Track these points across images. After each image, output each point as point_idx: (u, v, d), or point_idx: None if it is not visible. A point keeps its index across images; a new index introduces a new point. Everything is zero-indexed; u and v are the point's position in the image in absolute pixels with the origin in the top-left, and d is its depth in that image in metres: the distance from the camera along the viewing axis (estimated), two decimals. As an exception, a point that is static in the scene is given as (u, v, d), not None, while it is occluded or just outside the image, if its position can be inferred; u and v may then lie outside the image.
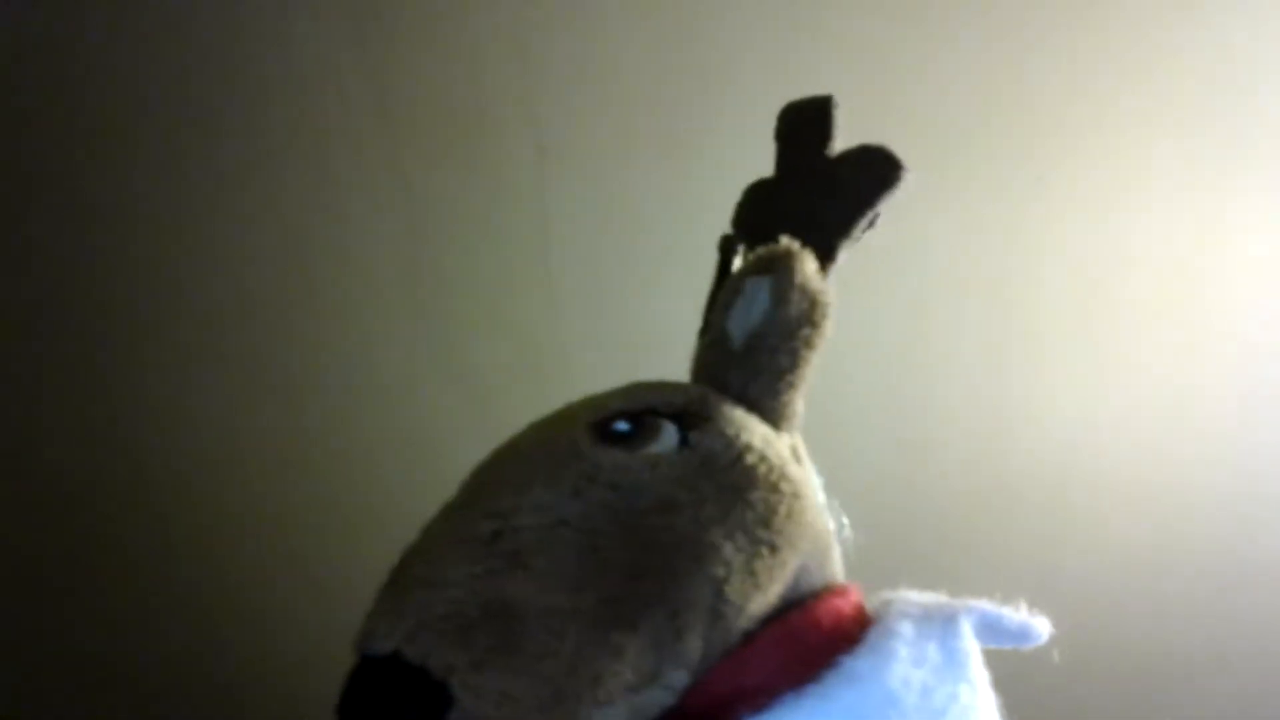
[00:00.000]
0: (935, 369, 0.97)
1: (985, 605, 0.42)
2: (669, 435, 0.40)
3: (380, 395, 0.94)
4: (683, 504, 0.38)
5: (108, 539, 0.94)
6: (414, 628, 0.35)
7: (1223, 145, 0.92)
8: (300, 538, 0.96)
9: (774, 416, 0.43)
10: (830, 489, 0.45)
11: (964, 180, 0.92)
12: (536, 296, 0.93)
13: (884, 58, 0.88)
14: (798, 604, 0.40)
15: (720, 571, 0.37)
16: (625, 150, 0.90)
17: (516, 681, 0.34)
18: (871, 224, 0.45)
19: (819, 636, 0.40)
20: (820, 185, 0.46)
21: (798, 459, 0.44)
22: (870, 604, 0.43)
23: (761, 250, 0.43)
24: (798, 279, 0.41)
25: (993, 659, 0.42)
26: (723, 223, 0.49)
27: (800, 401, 0.44)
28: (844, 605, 0.42)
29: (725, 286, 0.44)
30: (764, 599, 0.39)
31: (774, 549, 0.39)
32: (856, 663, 0.39)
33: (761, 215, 0.48)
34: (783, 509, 0.40)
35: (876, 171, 0.45)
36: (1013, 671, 0.44)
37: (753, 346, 0.42)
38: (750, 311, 0.42)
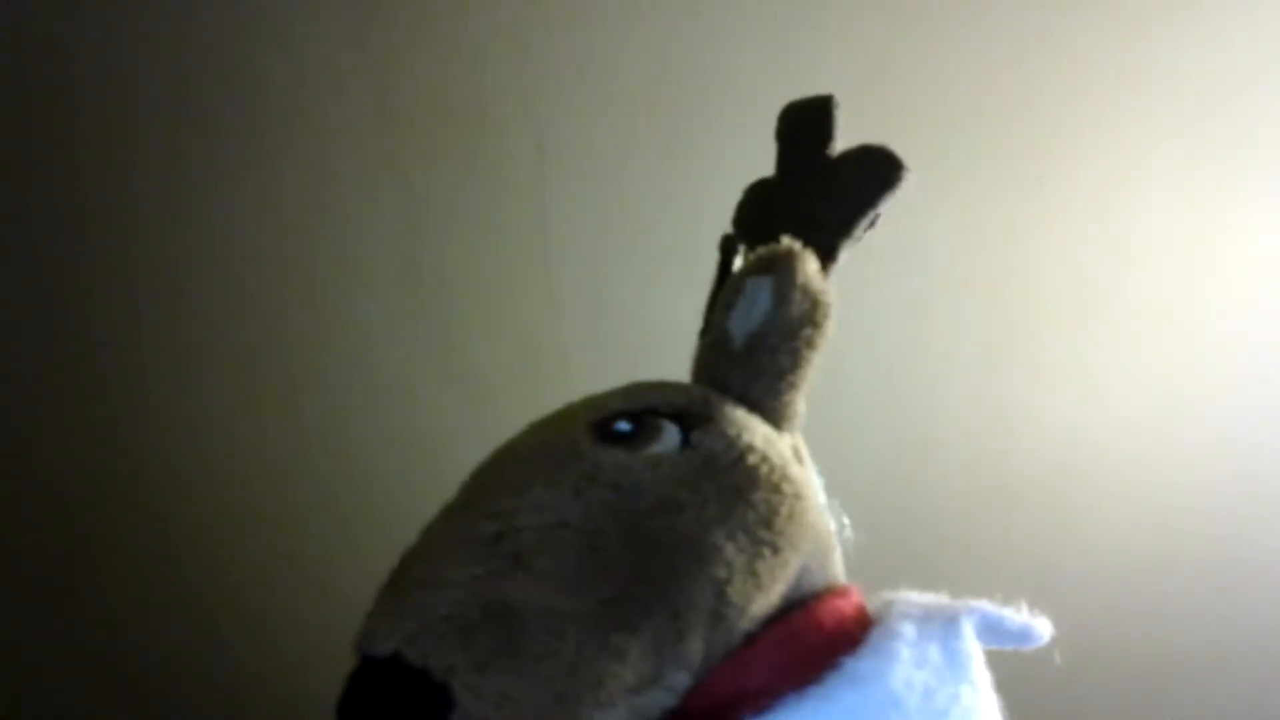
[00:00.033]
0: (935, 369, 0.97)
1: (987, 606, 0.42)
2: (670, 435, 0.40)
3: (380, 395, 0.94)
4: (684, 505, 0.38)
5: (108, 539, 0.94)
6: (414, 629, 0.35)
7: (1223, 145, 0.92)
8: (300, 538, 0.96)
9: (775, 417, 0.43)
10: (831, 489, 0.45)
11: (963, 180, 0.91)
12: (536, 296, 0.93)
13: (884, 58, 0.88)
14: (799, 605, 0.40)
15: (722, 573, 0.37)
16: (625, 150, 0.90)
17: (517, 683, 0.34)
18: (872, 224, 0.45)
19: (820, 637, 0.40)
20: (821, 185, 0.46)
21: (799, 459, 0.44)
22: (871, 605, 0.43)
23: (762, 250, 0.43)
24: (799, 279, 0.41)
25: (993, 659, 0.42)
26: (723, 223, 0.49)
27: (802, 402, 0.44)
28: (845, 606, 0.41)
29: (726, 287, 0.43)
30: (766, 600, 0.39)
31: (776, 550, 0.39)
32: (858, 664, 0.38)
33: (762, 215, 0.47)
34: (784, 510, 0.40)
35: (877, 171, 0.44)
36: (1013, 672, 0.43)
37: (754, 347, 0.42)
38: (751, 312, 0.42)
